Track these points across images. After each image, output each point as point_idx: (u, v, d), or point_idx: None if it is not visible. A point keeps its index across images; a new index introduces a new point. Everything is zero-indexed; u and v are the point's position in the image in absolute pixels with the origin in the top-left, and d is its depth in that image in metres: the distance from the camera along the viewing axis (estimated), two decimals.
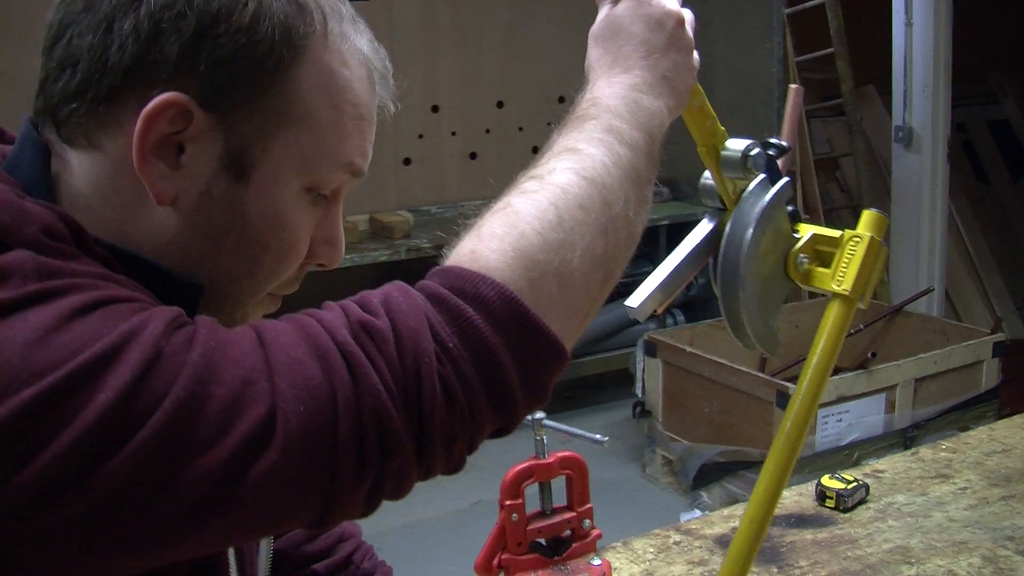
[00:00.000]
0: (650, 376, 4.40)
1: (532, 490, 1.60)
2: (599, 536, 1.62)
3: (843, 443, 3.91)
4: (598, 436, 1.56)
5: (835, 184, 5.93)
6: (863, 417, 3.95)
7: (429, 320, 0.84)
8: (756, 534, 1.19)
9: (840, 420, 3.89)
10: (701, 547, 1.67)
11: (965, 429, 3.72)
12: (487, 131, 5.41)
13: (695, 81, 1.18)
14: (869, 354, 4.38)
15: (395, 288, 0.87)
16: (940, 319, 4.70)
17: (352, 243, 4.75)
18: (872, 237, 1.20)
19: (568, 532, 1.60)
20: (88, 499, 0.75)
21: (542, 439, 1.59)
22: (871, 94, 5.91)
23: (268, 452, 0.78)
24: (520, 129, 5.48)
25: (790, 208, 1.25)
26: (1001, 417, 3.24)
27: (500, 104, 5.44)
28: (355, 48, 1.00)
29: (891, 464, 1.95)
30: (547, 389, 0.90)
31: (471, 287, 0.85)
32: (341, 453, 0.80)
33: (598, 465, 4.60)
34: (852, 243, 1.20)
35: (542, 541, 1.59)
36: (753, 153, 1.22)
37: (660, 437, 4.38)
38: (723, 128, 1.24)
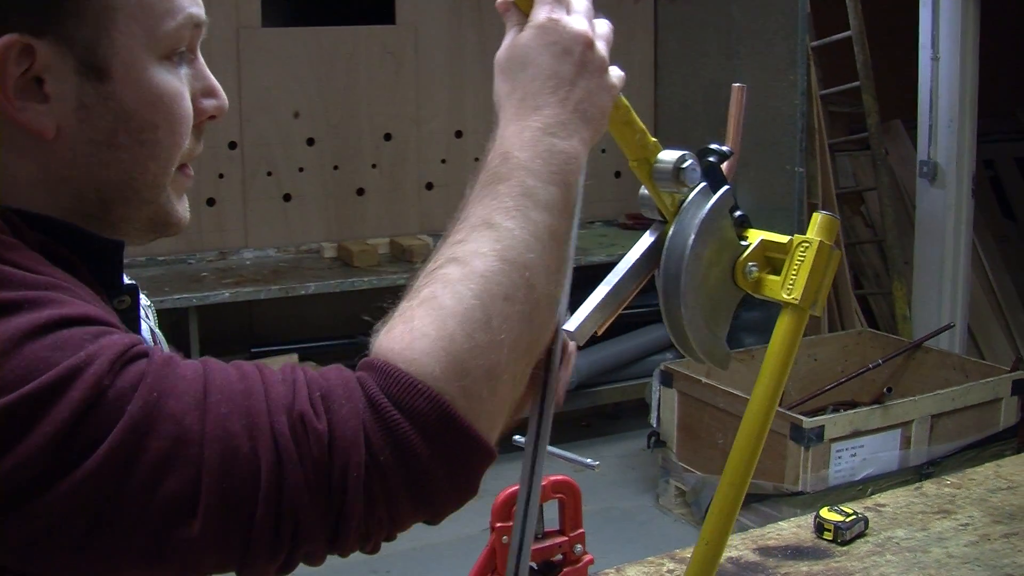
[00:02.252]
0: (665, 406, 4.37)
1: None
2: (591, 561, 1.61)
3: (856, 478, 3.88)
4: (589, 461, 1.54)
5: (860, 218, 5.90)
6: (878, 452, 3.92)
7: (365, 429, 0.86)
8: (712, 555, 1.18)
9: (854, 455, 3.85)
10: None
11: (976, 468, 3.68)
12: None
13: (618, 97, 1.15)
14: (885, 389, 4.35)
15: (338, 383, 0.89)
16: (959, 355, 4.66)
17: (372, 266, 4.77)
18: (821, 241, 1.16)
19: (559, 556, 1.59)
20: (26, 527, 0.79)
21: None
22: (897, 128, 5.89)
23: (192, 519, 0.81)
24: None
25: (738, 214, 1.22)
26: None
27: None
28: None
29: (893, 498, 1.93)
30: (476, 486, 0.92)
31: (407, 399, 0.87)
32: (256, 533, 0.83)
33: (611, 494, 4.60)
34: (801, 249, 1.16)
35: (533, 565, 1.58)
36: (685, 165, 1.18)
37: (674, 468, 4.35)
38: (654, 139, 1.20)
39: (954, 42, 4.85)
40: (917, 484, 2.01)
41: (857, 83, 5.14)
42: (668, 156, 1.20)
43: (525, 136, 1.03)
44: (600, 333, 1.19)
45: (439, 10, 5.25)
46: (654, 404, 4.44)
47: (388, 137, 5.19)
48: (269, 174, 5.01)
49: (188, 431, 0.81)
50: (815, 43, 5.15)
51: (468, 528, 4.26)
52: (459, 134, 5.35)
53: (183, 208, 1.07)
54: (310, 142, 5.07)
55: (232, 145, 4.91)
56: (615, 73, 1.13)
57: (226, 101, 1.07)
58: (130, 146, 0.97)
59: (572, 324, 1.14)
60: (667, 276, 1.18)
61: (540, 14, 1.08)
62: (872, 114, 5.17)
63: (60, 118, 0.94)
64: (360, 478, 0.84)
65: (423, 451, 0.87)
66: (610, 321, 1.20)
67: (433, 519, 0.92)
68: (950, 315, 5.00)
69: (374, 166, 5.19)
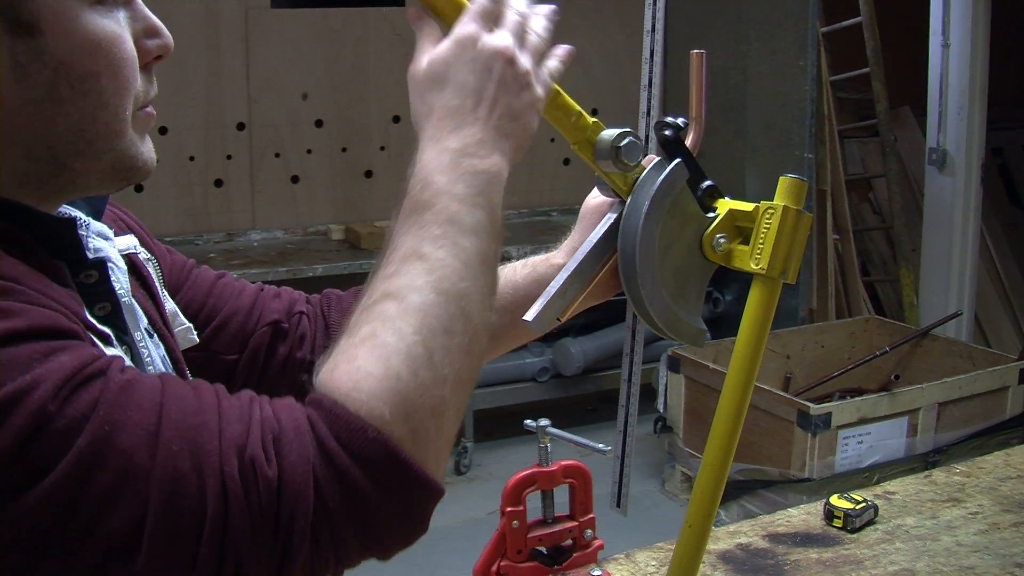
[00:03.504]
0: (672, 392, 4.38)
1: (536, 499, 1.59)
2: (601, 547, 1.61)
3: (863, 465, 3.88)
4: (601, 446, 1.54)
5: (868, 205, 5.89)
6: (884, 440, 3.92)
7: (315, 474, 0.85)
8: (698, 539, 1.17)
9: (861, 442, 3.86)
10: (704, 562, 1.65)
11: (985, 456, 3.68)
12: None
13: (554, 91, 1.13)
14: (892, 376, 4.35)
15: (290, 425, 0.88)
16: (966, 343, 4.66)
17: (376, 249, 4.75)
18: (786, 207, 1.13)
19: (569, 541, 1.59)
20: None
21: (546, 446, 1.58)
22: (906, 115, 5.87)
23: (136, 555, 0.81)
24: (552, 140, 5.46)
25: (706, 184, 1.19)
26: None
27: None
28: None
29: (902, 486, 1.93)
30: (426, 524, 0.93)
31: (357, 444, 0.87)
32: (197, 572, 0.82)
33: (610, 479, 4.59)
34: (767, 216, 1.14)
35: (542, 549, 1.58)
36: (623, 144, 1.16)
37: (680, 453, 4.36)
38: (594, 120, 1.18)
39: (965, 29, 4.84)
40: (926, 472, 2.01)
41: (867, 69, 5.12)
42: (609, 135, 1.17)
43: (444, 159, 1.02)
44: (563, 320, 1.17)
45: None
46: (661, 389, 4.44)
47: (397, 119, 5.18)
48: (277, 155, 5.01)
49: (137, 467, 0.81)
50: (825, 28, 5.13)
51: (474, 511, 4.29)
52: None
53: (148, 150, 1.04)
54: (318, 124, 5.06)
55: (240, 126, 4.91)
56: (546, 73, 1.12)
57: (170, 39, 1.04)
58: (73, 98, 0.95)
59: (531, 313, 1.13)
60: (624, 256, 1.17)
61: (462, 29, 1.07)
62: (881, 100, 5.15)
63: None
64: (307, 524, 0.84)
65: (372, 496, 0.87)
66: (575, 307, 1.18)
67: (382, 558, 0.92)
68: (957, 303, 5.00)
69: (383, 148, 5.19)
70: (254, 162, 4.97)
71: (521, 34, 1.09)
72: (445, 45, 1.07)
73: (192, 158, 4.82)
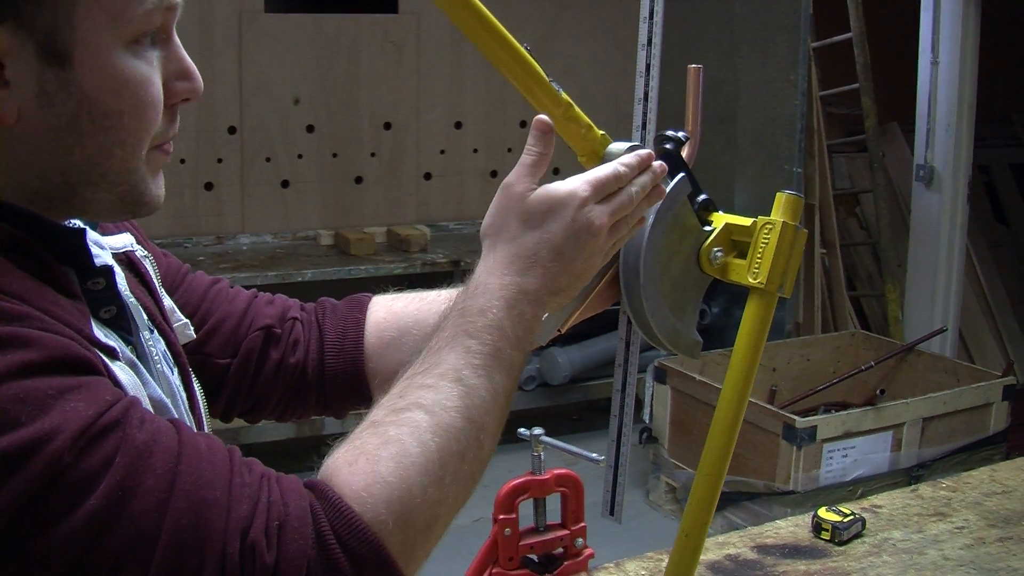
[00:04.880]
0: (658, 402, 4.39)
1: (528, 507, 1.60)
2: (591, 555, 1.62)
3: (847, 479, 3.90)
4: (595, 455, 1.55)
5: (855, 220, 5.92)
6: (869, 454, 3.94)
7: (309, 567, 0.88)
8: (693, 548, 1.19)
9: (845, 456, 3.88)
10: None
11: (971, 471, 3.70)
12: (509, 150, 5.42)
13: (559, 93, 1.17)
14: (878, 391, 4.37)
15: (296, 514, 0.90)
16: (951, 359, 4.69)
17: (368, 255, 4.77)
18: (785, 222, 1.16)
19: (560, 550, 1.60)
20: None
21: (539, 455, 1.59)
22: (894, 131, 5.90)
23: None
24: None
25: (702, 197, 1.21)
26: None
27: (523, 124, 5.44)
28: None
29: (889, 499, 1.94)
30: None
31: (354, 544, 0.90)
32: None
33: (601, 488, 4.59)
34: (765, 231, 1.16)
35: (534, 557, 1.59)
36: None
37: (665, 464, 4.37)
38: (602, 132, 1.20)
39: (954, 47, 4.87)
40: (913, 486, 2.03)
41: (856, 85, 5.15)
42: (616, 148, 1.19)
43: (507, 295, 1.09)
44: (563, 331, 1.20)
45: None
46: (647, 400, 4.45)
47: (388, 126, 5.19)
48: (268, 160, 5.01)
49: (145, 534, 0.83)
50: (816, 44, 5.16)
51: (459, 518, 4.27)
52: (458, 125, 5.35)
53: (157, 187, 1.06)
54: (310, 129, 5.06)
55: (231, 130, 4.91)
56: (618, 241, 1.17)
57: (200, 83, 1.05)
58: (93, 132, 0.96)
59: None
60: (627, 268, 1.19)
61: (579, 189, 1.13)
62: (870, 116, 5.18)
63: (21, 104, 0.93)
64: None
65: None
66: (574, 318, 1.20)
67: None
68: (942, 319, 5.03)
69: (373, 155, 5.19)
70: (245, 166, 4.97)
71: (620, 214, 1.14)
72: (558, 192, 1.13)
73: (183, 161, 4.81)
